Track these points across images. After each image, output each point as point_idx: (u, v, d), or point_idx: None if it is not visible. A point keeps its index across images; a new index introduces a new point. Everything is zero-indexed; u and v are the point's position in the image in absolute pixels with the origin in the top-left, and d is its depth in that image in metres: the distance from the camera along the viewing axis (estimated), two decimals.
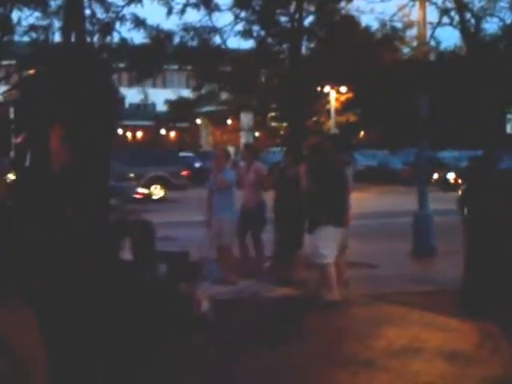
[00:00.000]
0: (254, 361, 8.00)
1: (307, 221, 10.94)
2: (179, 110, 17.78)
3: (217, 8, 14.59)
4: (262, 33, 15.02)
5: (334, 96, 41.26)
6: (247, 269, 12.68)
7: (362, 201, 26.08)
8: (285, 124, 18.65)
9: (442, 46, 16.89)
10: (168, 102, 17.90)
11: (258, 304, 10.77)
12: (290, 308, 10.61)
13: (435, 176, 34.53)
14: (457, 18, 14.65)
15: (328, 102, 39.65)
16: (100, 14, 13.65)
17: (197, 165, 50.41)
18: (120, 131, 62.29)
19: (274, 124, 26.48)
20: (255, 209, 12.75)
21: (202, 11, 14.52)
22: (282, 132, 20.88)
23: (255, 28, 14.93)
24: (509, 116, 41.22)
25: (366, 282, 12.23)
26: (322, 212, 10.63)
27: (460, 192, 11.19)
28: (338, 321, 9.98)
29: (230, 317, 9.90)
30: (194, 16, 14.62)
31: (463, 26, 14.48)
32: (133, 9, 13.90)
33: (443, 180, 35.02)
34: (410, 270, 13.70)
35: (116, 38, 13.60)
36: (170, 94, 24.47)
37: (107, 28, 13.31)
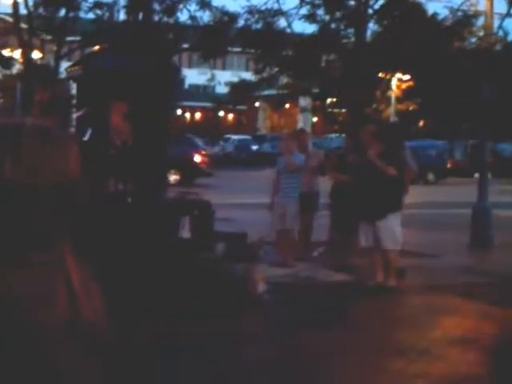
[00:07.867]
0: (307, 343, 7.98)
1: (374, 207, 10.72)
2: (240, 92, 17.73)
3: None
4: (326, 17, 14.93)
5: (395, 83, 40.84)
6: (305, 253, 12.66)
7: (418, 190, 25.78)
8: (343, 110, 18.54)
9: (510, 37, 16.66)
10: (229, 84, 17.90)
11: (313, 288, 10.76)
12: (345, 293, 10.57)
13: None
14: None
15: (389, 89, 39.28)
16: None
17: (253, 148, 50.46)
18: (179, 112, 62.57)
19: (332, 110, 26.32)
20: (311, 194, 12.76)
21: None
22: (340, 118, 20.75)
23: (319, 12, 14.85)
24: None
25: (422, 271, 12.13)
26: (391, 198, 10.58)
27: None
28: (393, 309, 9.93)
29: (285, 299, 9.91)
30: None
31: None
32: None
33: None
34: (467, 261, 13.56)
35: (183, 17, 13.61)
36: (229, 76, 24.44)
37: (173, 8, 13.31)
